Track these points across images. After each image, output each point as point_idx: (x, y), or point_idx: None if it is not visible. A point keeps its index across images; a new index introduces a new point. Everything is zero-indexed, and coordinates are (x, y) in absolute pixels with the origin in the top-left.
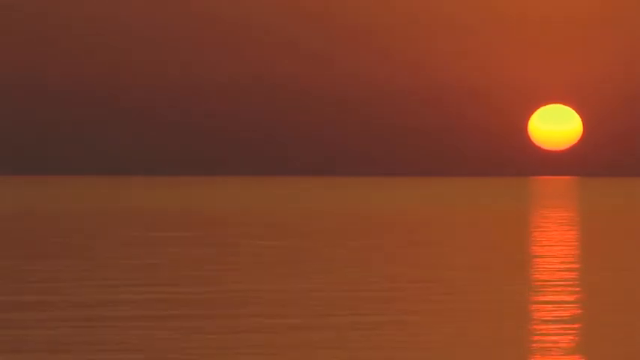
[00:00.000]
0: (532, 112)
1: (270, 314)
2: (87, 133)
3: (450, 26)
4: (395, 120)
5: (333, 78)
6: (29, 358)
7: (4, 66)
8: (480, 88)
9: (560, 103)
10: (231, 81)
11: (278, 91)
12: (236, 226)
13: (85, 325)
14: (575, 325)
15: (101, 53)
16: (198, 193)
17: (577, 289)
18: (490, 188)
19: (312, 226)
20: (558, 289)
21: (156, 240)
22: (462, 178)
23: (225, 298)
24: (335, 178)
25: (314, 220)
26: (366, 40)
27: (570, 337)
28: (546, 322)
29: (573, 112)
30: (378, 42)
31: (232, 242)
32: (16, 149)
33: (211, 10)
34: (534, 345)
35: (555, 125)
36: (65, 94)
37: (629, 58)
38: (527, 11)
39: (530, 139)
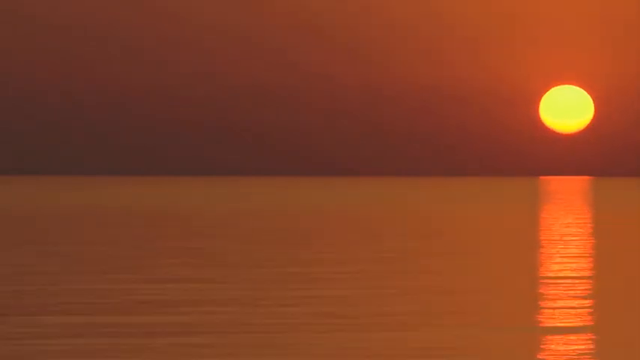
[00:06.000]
0: (540, 99)
1: None
2: (84, 133)
3: (452, 25)
4: (399, 120)
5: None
6: None
7: (3, 66)
8: (488, 84)
9: (569, 84)
10: (231, 84)
11: (279, 94)
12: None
13: None
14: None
15: (101, 54)
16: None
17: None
18: (524, 189)
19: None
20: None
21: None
22: (480, 177)
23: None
24: (338, 179)
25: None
26: (369, 40)
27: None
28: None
29: (582, 90)
30: (384, 43)
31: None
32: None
33: (211, 16)
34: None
35: (566, 105)
36: (64, 95)
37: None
38: (528, 8)
39: (543, 124)
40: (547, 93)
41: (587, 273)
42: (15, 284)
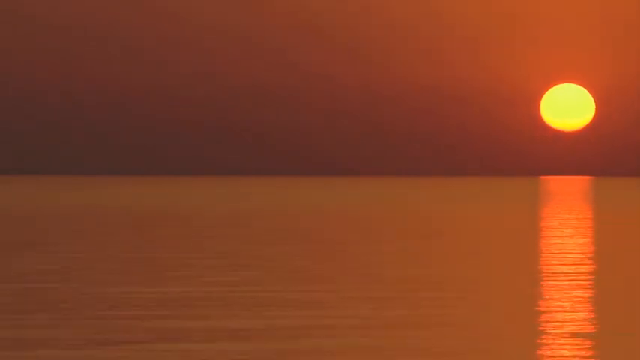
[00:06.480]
0: (541, 98)
1: None
2: (83, 133)
3: (452, 25)
4: (399, 120)
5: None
6: None
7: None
8: (488, 84)
9: (570, 82)
10: (231, 84)
11: (279, 94)
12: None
13: None
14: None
15: (101, 54)
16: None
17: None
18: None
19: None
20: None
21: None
22: (483, 177)
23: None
24: (339, 179)
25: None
26: (369, 39)
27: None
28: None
29: (583, 89)
30: (384, 43)
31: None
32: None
33: (211, 15)
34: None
35: (567, 103)
36: (64, 95)
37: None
38: (529, 9)
39: (543, 122)
40: (548, 91)
41: (587, 274)
42: (14, 285)
